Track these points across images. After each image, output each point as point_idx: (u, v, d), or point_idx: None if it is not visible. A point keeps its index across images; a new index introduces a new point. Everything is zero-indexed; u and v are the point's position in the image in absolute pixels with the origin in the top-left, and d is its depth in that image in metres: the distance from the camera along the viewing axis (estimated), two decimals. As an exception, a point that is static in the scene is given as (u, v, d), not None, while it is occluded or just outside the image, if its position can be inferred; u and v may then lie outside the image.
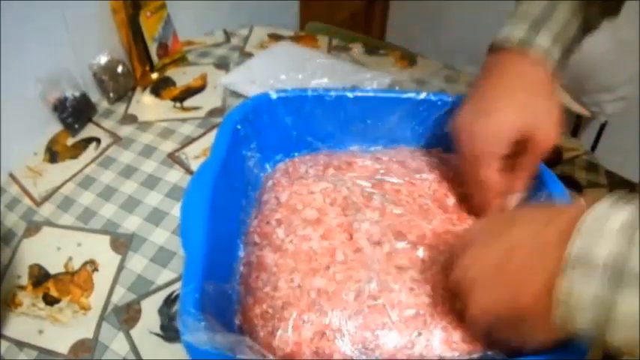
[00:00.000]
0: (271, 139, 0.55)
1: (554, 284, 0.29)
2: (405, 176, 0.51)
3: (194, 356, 0.34)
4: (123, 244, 0.63)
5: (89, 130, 0.81)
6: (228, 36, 1.03)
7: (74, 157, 0.76)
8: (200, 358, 0.34)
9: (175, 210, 0.66)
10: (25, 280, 0.60)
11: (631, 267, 0.27)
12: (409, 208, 0.48)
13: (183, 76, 0.91)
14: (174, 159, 0.74)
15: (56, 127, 0.80)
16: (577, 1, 0.47)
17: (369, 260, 0.43)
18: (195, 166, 0.73)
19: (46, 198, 0.70)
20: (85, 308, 0.57)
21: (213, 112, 0.83)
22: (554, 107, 0.45)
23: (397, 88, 0.83)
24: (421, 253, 0.44)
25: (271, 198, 0.51)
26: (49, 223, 0.66)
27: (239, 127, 0.51)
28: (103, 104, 0.86)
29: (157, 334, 0.54)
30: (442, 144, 0.56)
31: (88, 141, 0.79)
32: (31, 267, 0.61)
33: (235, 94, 0.86)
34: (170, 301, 0.57)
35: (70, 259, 0.62)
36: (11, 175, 0.74)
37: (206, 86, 0.89)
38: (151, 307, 0.56)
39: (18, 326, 0.55)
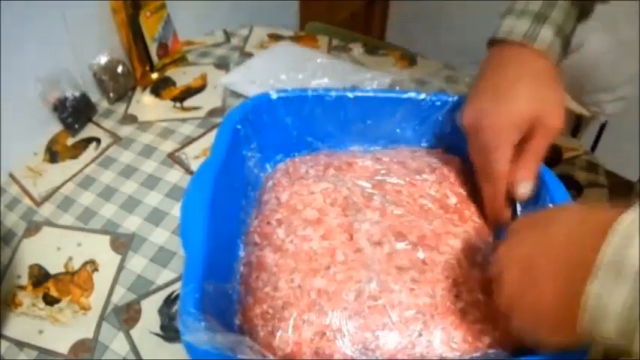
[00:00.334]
0: (271, 139, 0.55)
1: (581, 288, 0.28)
2: (406, 176, 0.51)
3: (194, 356, 0.34)
4: (123, 244, 0.63)
5: (89, 130, 0.81)
6: (228, 36, 1.03)
7: (74, 157, 0.76)
8: (200, 358, 0.34)
9: (175, 210, 0.66)
10: (25, 280, 0.60)
11: None
12: (409, 209, 0.48)
13: (183, 76, 0.91)
14: (174, 159, 0.74)
15: (56, 127, 0.80)
16: None
17: (369, 260, 0.43)
18: (195, 166, 0.73)
19: (46, 198, 0.70)
20: (85, 308, 0.57)
21: (213, 112, 0.83)
22: (561, 96, 0.45)
23: (397, 88, 0.83)
24: (422, 253, 0.44)
25: (271, 198, 0.51)
26: (49, 223, 0.66)
27: (239, 127, 0.51)
28: (103, 104, 0.86)
29: (157, 334, 0.54)
30: (443, 144, 0.56)
31: (88, 141, 0.79)
32: (31, 267, 0.61)
33: (235, 94, 0.86)
34: (170, 301, 0.57)
35: (70, 259, 0.62)
36: (11, 175, 0.74)
37: (206, 86, 0.89)
38: (151, 307, 0.56)
39: (18, 326, 0.55)
